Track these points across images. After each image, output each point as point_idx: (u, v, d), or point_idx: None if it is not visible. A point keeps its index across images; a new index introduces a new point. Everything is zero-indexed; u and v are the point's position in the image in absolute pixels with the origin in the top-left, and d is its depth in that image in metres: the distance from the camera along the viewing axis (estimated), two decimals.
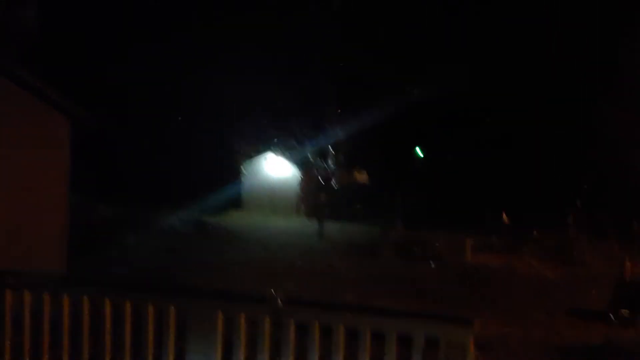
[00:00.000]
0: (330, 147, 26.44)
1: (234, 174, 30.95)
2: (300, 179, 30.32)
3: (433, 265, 17.79)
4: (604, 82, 22.01)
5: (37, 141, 11.57)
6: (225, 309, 3.83)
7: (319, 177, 27.55)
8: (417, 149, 35.82)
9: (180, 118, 31.32)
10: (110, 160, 29.10)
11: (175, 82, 30.33)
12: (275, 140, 29.35)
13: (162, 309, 3.89)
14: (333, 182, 26.74)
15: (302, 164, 29.62)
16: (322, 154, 27.03)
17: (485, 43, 29.53)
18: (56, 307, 4.07)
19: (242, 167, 31.29)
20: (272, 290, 3.77)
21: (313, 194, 29.35)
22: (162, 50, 30.01)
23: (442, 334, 3.40)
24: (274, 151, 30.24)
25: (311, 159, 27.57)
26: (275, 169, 30.57)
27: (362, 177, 32.11)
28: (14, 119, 10.96)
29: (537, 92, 30.14)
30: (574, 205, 24.53)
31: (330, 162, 26.60)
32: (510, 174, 31.20)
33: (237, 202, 30.29)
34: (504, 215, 23.02)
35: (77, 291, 4.11)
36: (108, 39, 29.75)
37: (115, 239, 18.55)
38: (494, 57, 29.04)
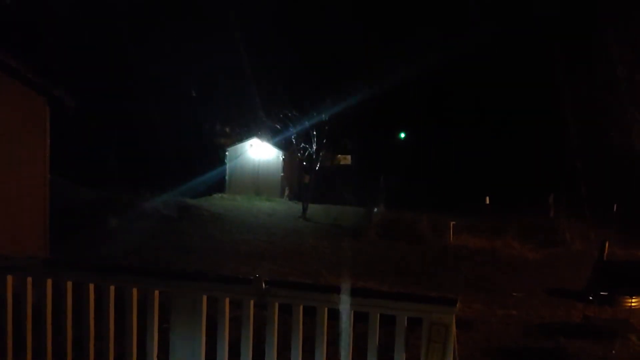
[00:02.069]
0: (313, 130, 26.40)
1: (217, 157, 30.85)
2: (283, 161, 30.29)
3: (415, 246, 17.91)
4: (581, 65, 22.18)
5: (15, 123, 11.43)
6: (209, 291, 3.84)
7: (303, 160, 27.54)
8: (400, 132, 35.94)
9: (163, 100, 31.03)
10: (91, 142, 28.82)
11: (159, 64, 30.04)
12: (259, 122, 29.24)
13: (146, 291, 3.89)
14: (316, 164, 26.73)
15: (285, 147, 29.57)
16: (306, 137, 26.99)
17: (470, 28, 29.57)
18: (39, 291, 4.05)
19: (225, 149, 31.17)
20: (256, 272, 3.77)
21: (297, 177, 29.37)
22: (144, 30, 29.67)
23: (425, 314, 3.44)
24: (258, 134, 30.14)
25: (294, 142, 27.51)
26: (259, 151, 30.49)
27: (345, 159, 32.16)
28: None
29: (515, 76, 30.34)
30: (554, 187, 24.78)
31: (313, 144, 26.58)
32: (492, 156, 31.47)
33: (220, 185, 30.22)
34: (486, 198, 23.18)
35: (60, 275, 4.10)
36: (87, 17, 29.32)
37: (97, 222, 18.44)
38: (475, 42, 29.08)
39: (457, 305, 3.42)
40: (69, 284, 4.01)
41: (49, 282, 4.04)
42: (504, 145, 31.12)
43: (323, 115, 25.88)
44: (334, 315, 3.66)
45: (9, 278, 4.07)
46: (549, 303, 11.87)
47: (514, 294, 12.55)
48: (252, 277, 3.67)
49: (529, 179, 27.34)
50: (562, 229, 19.58)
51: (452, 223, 19.20)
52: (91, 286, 3.98)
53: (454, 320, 3.40)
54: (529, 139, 30.48)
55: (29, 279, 4.07)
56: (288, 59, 28.18)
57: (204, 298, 3.79)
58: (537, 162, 28.75)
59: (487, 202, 23.33)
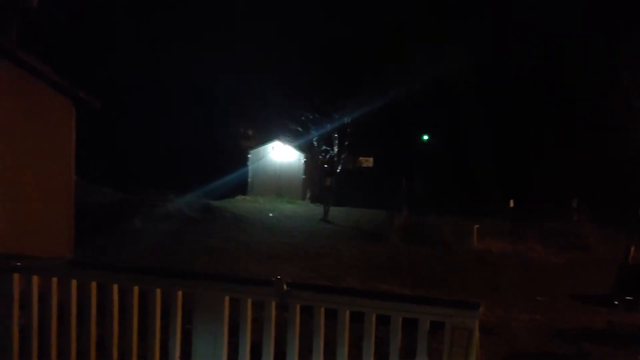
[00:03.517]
0: (335, 132, 26.40)
1: (240, 159, 30.98)
2: (305, 164, 30.31)
3: (439, 250, 17.79)
4: (611, 72, 21.95)
5: (41, 125, 11.59)
6: (231, 292, 3.85)
7: (324, 162, 27.54)
8: (423, 135, 35.76)
9: (187, 102, 31.28)
10: (116, 144, 29.15)
11: (184, 66, 30.31)
12: (281, 125, 29.31)
13: (170, 292, 3.91)
14: (338, 167, 26.71)
15: (307, 149, 29.60)
16: (327, 139, 26.99)
17: (492, 32, 29.38)
18: (64, 291, 4.10)
19: (248, 152, 31.28)
20: (277, 274, 3.78)
21: (318, 179, 29.38)
22: (168, 33, 29.93)
23: (448, 318, 3.41)
24: (280, 136, 30.21)
25: (316, 144, 27.52)
26: (281, 154, 30.55)
27: (367, 161, 32.10)
28: (21, 104, 10.97)
29: (542, 79, 30.04)
30: (578, 191, 24.49)
31: (335, 147, 26.57)
32: (516, 159, 31.17)
33: (243, 187, 30.35)
34: (510, 201, 23.00)
35: (84, 275, 4.14)
36: (112, 21, 29.67)
37: (122, 223, 18.62)
38: (500, 44, 28.89)
39: (480, 309, 3.38)
40: (94, 285, 4.04)
41: (74, 282, 4.08)
42: (528, 148, 30.81)
43: (345, 118, 25.88)
44: (356, 318, 3.65)
45: (35, 278, 4.12)
46: (572, 308, 11.72)
47: (538, 298, 12.41)
48: (273, 279, 3.67)
49: (553, 183, 27.02)
50: (586, 233, 19.34)
51: (475, 227, 19.06)
52: (115, 287, 4.01)
53: (477, 325, 3.36)
54: (554, 142, 30.14)
55: (54, 279, 4.11)
56: (311, 61, 28.24)
57: (227, 299, 3.80)
58: (562, 166, 28.41)
59: (511, 205, 23.13)
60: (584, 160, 27.92)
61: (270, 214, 21.13)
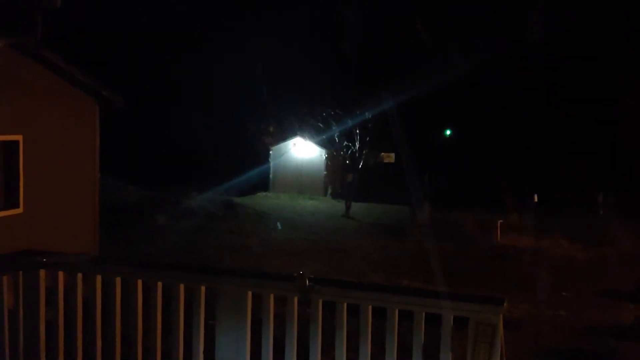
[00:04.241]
0: (356, 128, 26.32)
1: (261, 156, 31.07)
2: (326, 160, 30.29)
3: (462, 246, 17.67)
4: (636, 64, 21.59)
5: (67, 124, 11.74)
6: (254, 287, 3.86)
7: (346, 158, 27.49)
8: (446, 129, 35.54)
9: (208, 99, 31.43)
10: (138, 141, 29.39)
11: (204, 64, 30.45)
12: (302, 121, 29.31)
13: (193, 288, 3.93)
14: (360, 162, 26.65)
15: (328, 145, 29.57)
16: (349, 135, 26.93)
17: (519, 24, 29.08)
18: (89, 287, 4.14)
19: (269, 148, 31.37)
20: (299, 269, 3.78)
21: (340, 175, 29.34)
22: (190, 30, 30.10)
23: (472, 314, 3.38)
24: (301, 133, 30.22)
25: (337, 140, 27.49)
26: (302, 150, 30.56)
27: (389, 157, 31.96)
28: (46, 103, 11.12)
29: (568, 72, 29.69)
30: (603, 186, 24.17)
31: (356, 142, 26.50)
32: (540, 153, 30.84)
33: (264, 184, 30.43)
34: (534, 196, 22.75)
35: (109, 271, 4.18)
36: (136, 19, 29.90)
37: (145, 219, 18.79)
38: (523, 39, 28.58)
39: (505, 304, 3.35)
40: (118, 280, 4.08)
41: (99, 278, 4.12)
42: (553, 142, 30.45)
43: (367, 114, 25.78)
44: (379, 314, 3.63)
45: (60, 274, 4.17)
46: (598, 304, 11.58)
47: (563, 294, 12.28)
48: (296, 274, 3.67)
49: (578, 177, 26.68)
50: (612, 228, 19.06)
51: (499, 222, 18.90)
52: (139, 282, 4.05)
53: (501, 320, 3.33)
54: (578, 137, 29.78)
55: (79, 275, 4.16)
56: (332, 57, 28.20)
57: (249, 294, 3.81)
58: (587, 161, 28.04)
59: (535, 200, 22.89)
60: (609, 155, 27.55)
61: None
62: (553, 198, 23.55)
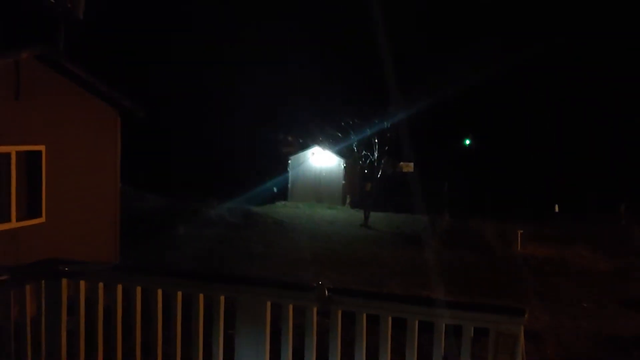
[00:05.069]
0: (375, 137, 26.30)
1: (280, 166, 31.15)
2: (344, 169, 30.29)
3: (482, 256, 17.53)
4: None
5: (89, 134, 11.88)
6: (273, 297, 3.86)
7: (364, 168, 27.46)
8: (465, 139, 35.36)
9: (227, 109, 31.62)
10: (158, 152, 29.62)
11: (222, 74, 30.66)
12: (321, 131, 29.35)
13: (212, 297, 3.94)
14: (378, 171, 26.60)
15: (346, 155, 29.57)
16: (367, 144, 26.91)
17: (539, 31, 28.92)
18: (110, 295, 4.17)
19: (288, 158, 31.44)
20: (318, 279, 3.78)
21: (358, 184, 29.31)
22: (208, 42, 30.33)
23: (493, 325, 3.35)
24: (320, 142, 30.25)
25: (356, 150, 27.48)
26: (321, 159, 30.59)
27: (408, 166, 31.87)
28: (69, 114, 11.26)
29: (589, 82, 29.46)
30: (625, 195, 23.86)
31: (375, 152, 26.47)
32: (561, 163, 30.57)
33: (283, 193, 30.49)
34: (555, 205, 22.53)
35: (130, 280, 4.21)
36: (154, 31, 30.21)
37: (165, 229, 18.91)
38: (543, 45, 28.41)
39: (526, 315, 3.32)
40: (138, 289, 4.11)
41: (119, 287, 4.16)
42: (573, 152, 30.17)
43: (385, 123, 25.75)
44: (398, 325, 3.62)
45: (82, 283, 4.21)
46: (622, 315, 11.41)
47: (584, 304, 12.12)
48: (315, 284, 3.66)
49: (599, 187, 26.38)
50: (635, 238, 18.79)
51: (519, 232, 18.73)
52: (159, 291, 4.07)
53: (522, 331, 3.30)
54: (599, 146, 29.48)
55: (101, 284, 4.20)
56: (351, 66, 28.25)
57: (268, 304, 3.81)
58: (608, 170, 27.73)
59: (557, 210, 22.68)
60: (631, 164, 27.22)
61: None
62: (575, 208, 23.30)
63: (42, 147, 10.53)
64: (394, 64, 28.31)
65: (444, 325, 3.49)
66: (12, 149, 10.01)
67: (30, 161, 10.41)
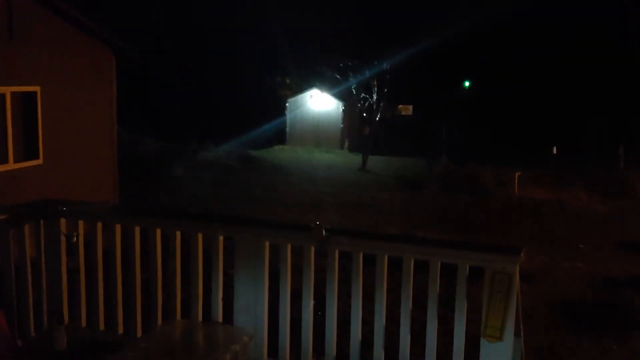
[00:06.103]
0: (374, 80, 26.01)
1: (277, 109, 30.91)
2: (343, 112, 30.09)
3: (479, 198, 17.61)
4: None
5: (86, 76, 11.75)
6: (271, 237, 3.89)
7: (363, 111, 27.28)
8: (465, 81, 35.04)
9: (225, 52, 31.16)
10: (155, 94, 29.35)
11: (220, 14, 30.10)
12: (319, 73, 29.02)
13: (211, 237, 3.97)
14: (377, 115, 26.43)
15: (345, 98, 29.32)
16: (366, 87, 26.65)
17: None
18: (109, 236, 4.20)
19: (285, 101, 31.18)
20: (316, 221, 3.80)
21: (357, 128, 29.17)
22: None
23: (488, 263, 3.37)
24: (318, 85, 29.95)
25: (355, 92, 27.23)
26: (319, 102, 30.35)
27: (406, 109, 31.68)
28: (65, 54, 11.12)
29: (587, 26, 29.02)
30: (624, 138, 23.82)
31: (374, 94, 26.24)
32: (559, 106, 30.39)
33: (281, 137, 30.36)
34: (553, 148, 22.50)
35: (128, 220, 4.23)
36: None
37: (163, 171, 18.94)
38: None
39: (521, 254, 3.34)
40: (137, 229, 4.13)
41: (118, 227, 4.18)
42: (571, 94, 29.94)
43: (384, 64, 25.43)
44: (394, 264, 3.65)
45: (80, 223, 4.23)
46: (616, 256, 11.55)
47: (580, 246, 12.26)
48: (312, 225, 3.68)
49: (598, 129, 26.30)
50: (633, 181, 18.84)
51: (517, 174, 18.76)
52: (158, 231, 4.10)
53: (517, 270, 3.32)
54: (598, 88, 29.24)
55: (99, 224, 4.22)
56: (349, 6, 27.73)
57: (267, 244, 3.84)
58: (607, 113, 27.58)
59: (554, 152, 22.67)
60: (629, 107, 27.09)
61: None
62: (573, 150, 23.29)
63: (37, 88, 10.45)
64: (393, 3, 27.82)
65: (439, 263, 3.52)
66: (7, 90, 9.93)
67: (25, 102, 10.34)
